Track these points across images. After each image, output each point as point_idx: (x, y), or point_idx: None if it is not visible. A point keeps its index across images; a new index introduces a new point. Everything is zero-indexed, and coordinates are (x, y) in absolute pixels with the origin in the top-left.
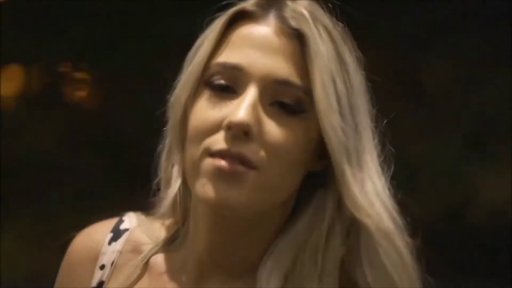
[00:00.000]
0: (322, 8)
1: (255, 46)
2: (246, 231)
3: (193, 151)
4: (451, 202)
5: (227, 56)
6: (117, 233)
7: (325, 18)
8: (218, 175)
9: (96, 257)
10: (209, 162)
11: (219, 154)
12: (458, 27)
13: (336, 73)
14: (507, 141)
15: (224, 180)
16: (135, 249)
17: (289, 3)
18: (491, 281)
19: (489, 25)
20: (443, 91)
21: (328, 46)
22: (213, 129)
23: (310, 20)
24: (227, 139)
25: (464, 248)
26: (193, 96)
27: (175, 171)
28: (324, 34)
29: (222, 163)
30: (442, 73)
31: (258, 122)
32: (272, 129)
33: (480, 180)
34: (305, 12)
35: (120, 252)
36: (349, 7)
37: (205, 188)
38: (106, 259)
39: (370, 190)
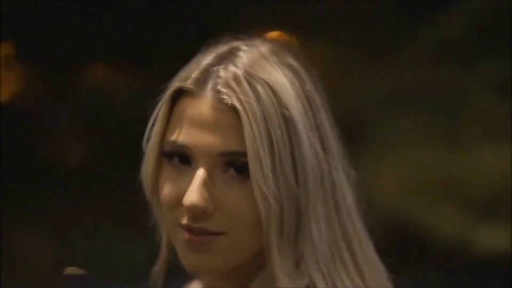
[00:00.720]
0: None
1: (195, 124)
2: (230, 276)
3: (167, 220)
4: None
5: (175, 134)
6: None
7: (266, 66)
8: (187, 246)
9: None
10: (180, 232)
11: (185, 228)
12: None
13: (276, 133)
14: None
15: (194, 251)
16: None
17: (223, 73)
18: None
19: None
20: None
21: (266, 105)
22: (177, 203)
23: (245, 85)
24: (189, 216)
25: None
26: (158, 169)
27: (163, 234)
28: (263, 93)
29: (191, 237)
30: None
31: (213, 197)
32: (229, 196)
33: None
34: (240, 75)
35: None
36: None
37: (181, 256)
38: None
39: (296, 267)
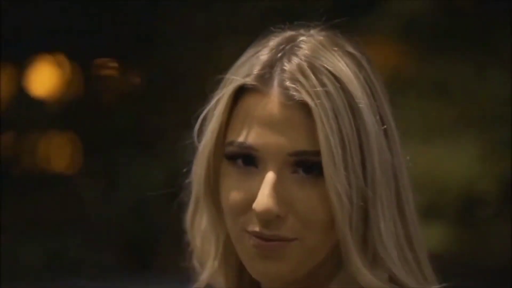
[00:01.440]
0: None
1: (263, 124)
2: (296, 283)
3: (231, 225)
4: None
5: (240, 134)
6: None
7: (329, 57)
8: (259, 253)
9: None
10: (248, 238)
11: (255, 235)
12: None
13: (346, 128)
14: None
15: (264, 258)
16: None
17: (287, 66)
18: None
19: None
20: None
21: (335, 99)
22: (244, 208)
23: (312, 77)
24: (260, 223)
25: None
26: (212, 169)
27: (215, 238)
28: (330, 86)
29: (261, 243)
30: None
31: (285, 200)
32: (301, 197)
33: None
34: (305, 67)
35: None
36: None
37: (249, 264)
38: None
39: (374, 264)
